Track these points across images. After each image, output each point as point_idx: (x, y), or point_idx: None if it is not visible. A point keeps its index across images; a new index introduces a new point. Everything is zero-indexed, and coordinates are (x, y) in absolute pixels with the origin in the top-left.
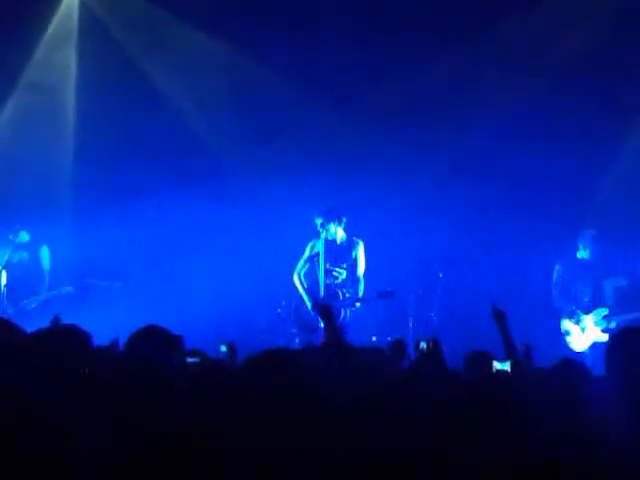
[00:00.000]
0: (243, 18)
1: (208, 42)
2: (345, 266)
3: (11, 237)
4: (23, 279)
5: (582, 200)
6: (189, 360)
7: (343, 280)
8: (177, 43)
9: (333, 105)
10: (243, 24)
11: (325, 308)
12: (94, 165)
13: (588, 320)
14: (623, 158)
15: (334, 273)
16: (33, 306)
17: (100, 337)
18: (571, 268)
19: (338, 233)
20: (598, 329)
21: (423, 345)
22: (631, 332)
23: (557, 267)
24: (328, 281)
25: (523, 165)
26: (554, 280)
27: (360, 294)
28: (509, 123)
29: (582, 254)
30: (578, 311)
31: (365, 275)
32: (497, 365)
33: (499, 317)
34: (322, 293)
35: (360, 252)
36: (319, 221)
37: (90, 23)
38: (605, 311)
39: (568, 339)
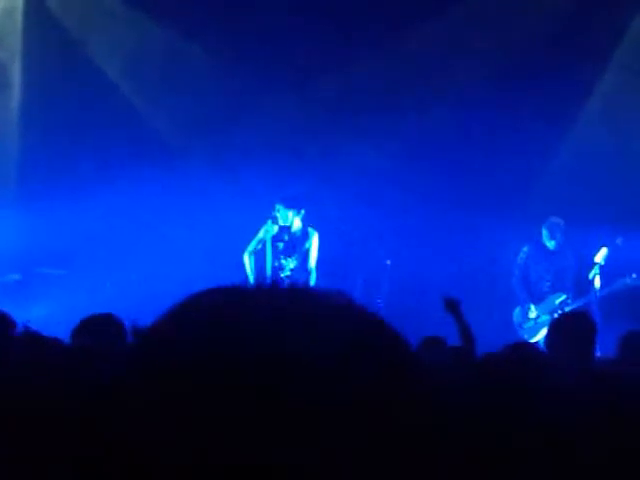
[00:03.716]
0: (190, 3)
1: (156, 28)
2: (296, 257)
3: None
4: None
5: (532, 186)
6: None
7: (291, 270)
8: (124, 28)
9: (288, 90)
10: (190, 8)
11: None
12: (41, 150)
13: (542, 308)
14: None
15: (282, 261)
16: None
17: (47, 326)
18: (535, 253)
19: (295, 222)
20: (552, 316)
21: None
22: (568, 317)
23: (523, 249)
24: (276, 264)
25: (472, 150)
26: (518, 262)
27: (313, 282)
28: (463, 111)
29: (546, 240)
30: (531, 305)
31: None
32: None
33: (453, 306)
34: (269, 277)
35: (314, 243)
36: (278, 206)
37: (36, 9)
38: (562, 297)
39: (522, 330)
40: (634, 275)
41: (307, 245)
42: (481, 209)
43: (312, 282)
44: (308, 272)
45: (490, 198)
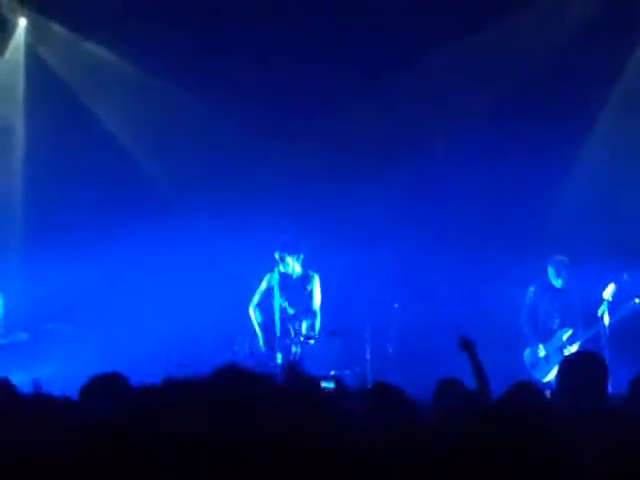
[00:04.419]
0: (182, 51)
1: (153, 80)
2: (301, 301)
3: None
4: None
5: (538, 224)
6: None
7: (295, 315)
8: (122, 82)
9: (283, 135)
10: (188, 61)
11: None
12: (45, 204)
13: (551, 346)
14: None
15: (287, 309)
16: None
17: (57, 384)
18: (542, 292)
19: (295, 268)
20: (562, 353)
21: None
22: (577, 357)
23: (530, 289)
24: (283, 316)
25: (478, 190)
26: (525, 302)
27: (317, 328)
28: (470, 139)
29: (553, 279)
30: (540, 345)
31: (321, 308)
32: None
33: (467, 346)
34: (277, 327)
35: (316, 286)
36: (277, 254)
37: (36, 65)
38: (569, 332)
39: (534, 370)
40: (637, 300)
41: (309, 288)
42: (488, 249)
43: (317, 325)
44: (314, 314)
45: (496, 238)
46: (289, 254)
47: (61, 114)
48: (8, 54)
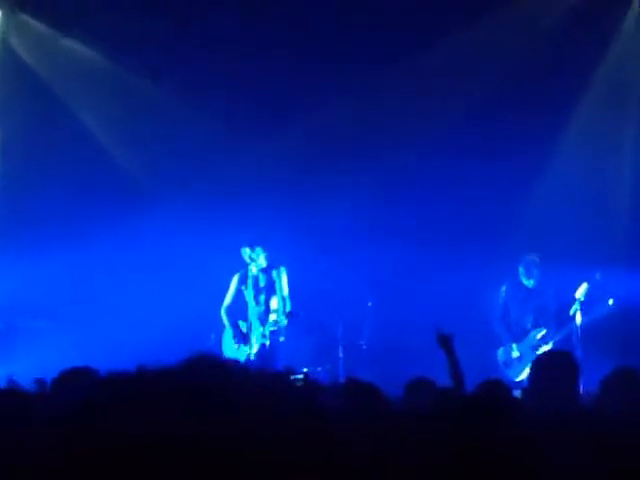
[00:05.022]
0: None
1: (130, 76)
2: (273, 295)
3: None
4: None
5: (511, 223)
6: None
7: (265, 311)
8: (97, 76)
9: (265, 131)
10: (172, 58)
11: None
12: (22, 198)
13: (524, 345)
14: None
15: (257, 307)
16: None
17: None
18: (514, 291)
19: (261, 262)
20: (535, 352)
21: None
22: (549, 356)
23: (502, 289)
24: (258, 310)
25: (452, 188)
26: (497, 302)
27: (288, 308)
28: (441, 138)
29: (524, 278)
30: (513, 344)
31: (292, 301)
32: None
33: (445, 342)
34: (251, 323)
35: (284, 278)
36: (246, 252)
37: (10, 59)
38: (542, 331)
39: (507, 369)
40: (610, 301)
41: (278, 281)
42: (462, 248)
43: (288, 308)
44: (284, 300)
45: (470, 236)
46: (255, 250)
47: (36, 109)
48: None
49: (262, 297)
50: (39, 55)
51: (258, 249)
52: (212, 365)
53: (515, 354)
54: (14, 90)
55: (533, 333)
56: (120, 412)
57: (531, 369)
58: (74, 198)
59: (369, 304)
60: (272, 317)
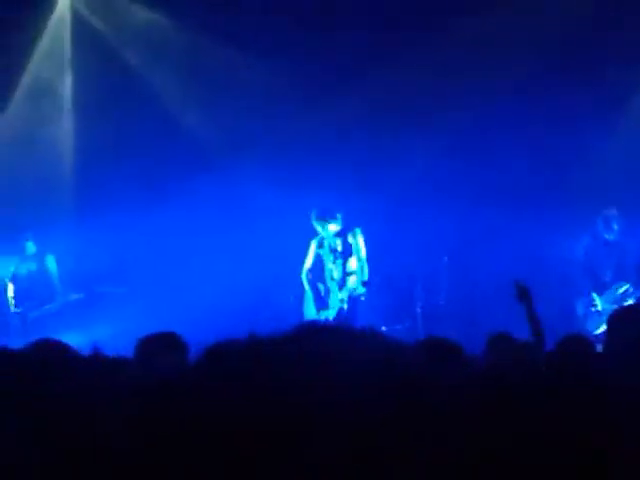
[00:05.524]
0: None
1: (204, 39)
2: (349, 259)
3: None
4: (31, 291)
5: (587, 178)
6: None
7: (347, 271)
8: (168, 40)
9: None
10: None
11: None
12: (95, 166)
13: (605, 299)
14: (620, 130)
15: (338, 267)
16: (37, 315)
17: (111, 345)
18: (594, 246)
19: (336, 228)
20: (615, 306)
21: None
22: (628, 310)
23: (583, 242)
24: (336, 274)
25: (524, 146)
26: (578, 257)
27: (365, 277)
28: (511, 103)
29: (604, 233)
30: (594, 297)
31: (368, 262)
32: None
33: (523, 294)
34: (330, 288)
35: (359, 240)
36: (317, 222)
37: (82, 28)
38: (625, 286)
39: (587, 322)
40: None
41: (354, 243)
42: (539, 203)
43: (365, 274)
44: (360, 268)
45: (547, 191)
46: (327, 221)
47: (108, 77)
48: (54, 18)
49: (339, 261)
50: (108, 20)
51: (325, 221)
52: (318, 332)
53: (595, 307)
54: (86, 58)
55: (615, 287)
56: (229, 380)
57: (608, 323)
58: (149, 165)
59: (445, 259)
60: (351, 280)
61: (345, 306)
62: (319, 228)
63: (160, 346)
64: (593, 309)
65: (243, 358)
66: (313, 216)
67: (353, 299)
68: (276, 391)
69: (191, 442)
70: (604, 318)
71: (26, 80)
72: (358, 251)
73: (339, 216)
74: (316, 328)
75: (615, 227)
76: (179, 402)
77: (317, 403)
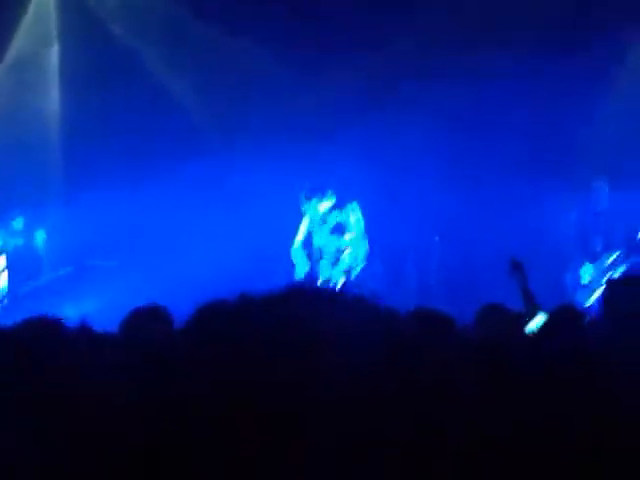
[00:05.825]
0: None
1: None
2: (346, 233)
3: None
4: (19, 265)
5: (576, 151)
6: None
7: (340, 249)
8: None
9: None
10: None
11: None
12: (85, 140)
13: (595, 269)
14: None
15: (331, 244)
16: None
17: (101, 319)
18: (584, 217)
19: (327, 205)
20: (605, 277)
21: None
22: (621, 281)
23: (572, 214)
24: (330, 250)
25: (516, 119)
26: (568, 228)
27: (361, 252)
28: (499, 80)
29: (593, 204)
30: (583, 269)
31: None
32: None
33: (517, 268)
34: (324, 263)
35: (355, 214)
36: (305, 200)
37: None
38: (613, 255)
39: (577, 293)
40: None
41: (348, 220)
42: (529, 175)
43: (362, 245)
44: (357, 239)
45: (537, 163)
46: (315, 198)
47: (96, 51)
48: None
49: (334, 236)
50: None
51: (314, 199)
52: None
53: (585, 278)
54: (74, 32)
55: (604, 257)
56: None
57: (602, 293)
58: (136, 137)
59: (436, 239)
60: (346, 252)
61: (339, 283)
62: (309, 207)
63: (145, 319)
64: (582, 282)
65: (232, 320)
66: (302, 197)
67: (347, 275)
68: (266, 355)
69: (182, 415)
70: (594, 289)
71: (11, 53)
72: (353, 226)
73: (330, 192)
74: (306, 291)
75: (604, 199)
76: (167, 376)
77: (308, 368)
